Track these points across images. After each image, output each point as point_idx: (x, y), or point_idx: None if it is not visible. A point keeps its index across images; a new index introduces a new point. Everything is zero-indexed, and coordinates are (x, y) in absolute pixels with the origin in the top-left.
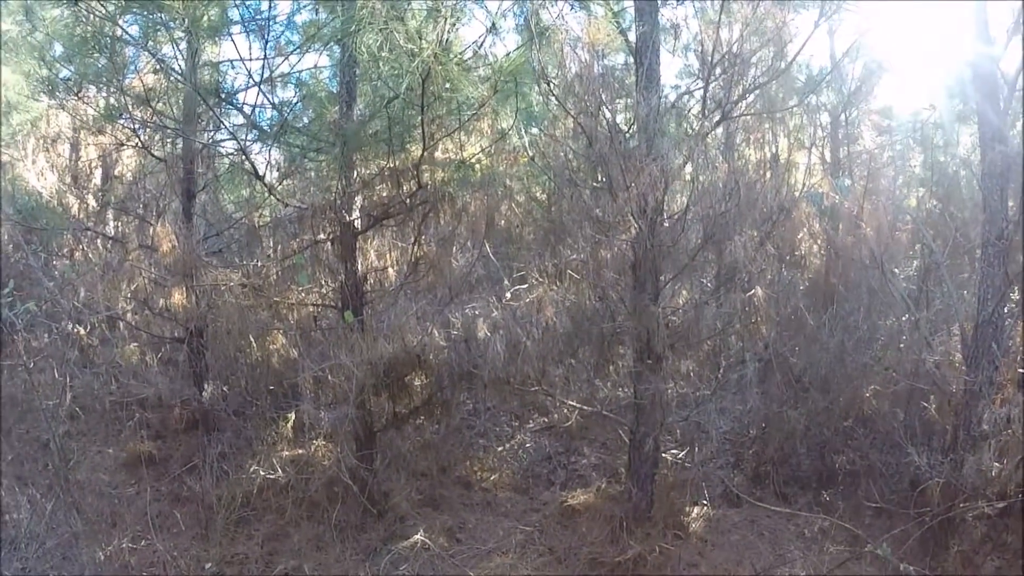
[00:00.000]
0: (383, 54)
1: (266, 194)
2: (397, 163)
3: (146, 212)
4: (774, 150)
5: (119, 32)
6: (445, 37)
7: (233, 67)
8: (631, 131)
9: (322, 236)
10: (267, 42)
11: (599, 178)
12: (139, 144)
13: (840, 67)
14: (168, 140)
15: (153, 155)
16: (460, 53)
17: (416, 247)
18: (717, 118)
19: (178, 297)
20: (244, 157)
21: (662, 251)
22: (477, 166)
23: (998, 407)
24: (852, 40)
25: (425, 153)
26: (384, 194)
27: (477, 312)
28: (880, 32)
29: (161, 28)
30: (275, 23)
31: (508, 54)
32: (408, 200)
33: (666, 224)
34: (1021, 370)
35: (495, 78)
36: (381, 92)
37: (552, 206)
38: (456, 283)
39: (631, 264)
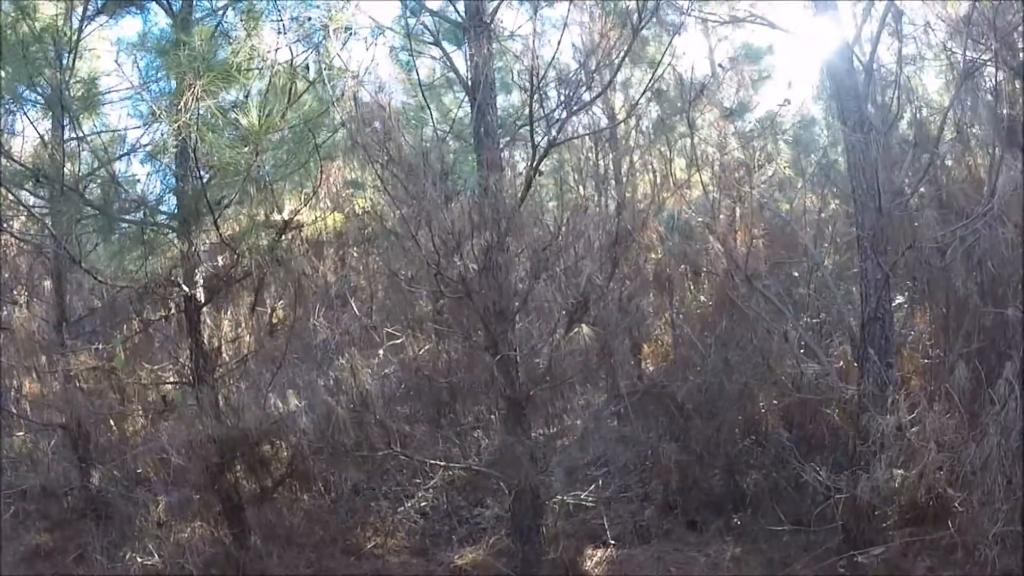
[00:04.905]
0: None
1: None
2: (221, 235)
3: (17, 294)
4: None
5: None
6: (196, 105)
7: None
8: (451, 172)
9: (162, 312)
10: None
11: (418, 231)
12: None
13: (684, 82)
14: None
15: (14, 236)
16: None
17: (253, 317)
18: (545, 144)
19: (29, 384)
20: (55, 240)
21: (491, 296)
22: (301, 231)
23: (904, 405)
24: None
25: (219, 222)
26: (219, 265)
27: (294, 383)
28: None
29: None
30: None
31: (269, 112)
32: (231, 272)
33: (501, 267)
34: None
35: (253, 139)
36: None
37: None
38: (304, 349)
39: (477, 313)
